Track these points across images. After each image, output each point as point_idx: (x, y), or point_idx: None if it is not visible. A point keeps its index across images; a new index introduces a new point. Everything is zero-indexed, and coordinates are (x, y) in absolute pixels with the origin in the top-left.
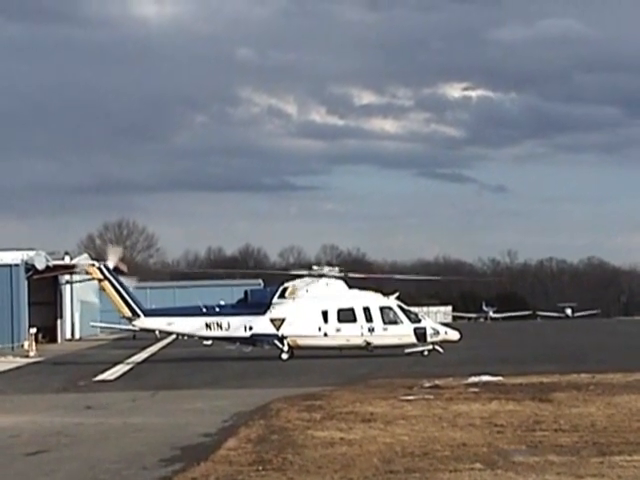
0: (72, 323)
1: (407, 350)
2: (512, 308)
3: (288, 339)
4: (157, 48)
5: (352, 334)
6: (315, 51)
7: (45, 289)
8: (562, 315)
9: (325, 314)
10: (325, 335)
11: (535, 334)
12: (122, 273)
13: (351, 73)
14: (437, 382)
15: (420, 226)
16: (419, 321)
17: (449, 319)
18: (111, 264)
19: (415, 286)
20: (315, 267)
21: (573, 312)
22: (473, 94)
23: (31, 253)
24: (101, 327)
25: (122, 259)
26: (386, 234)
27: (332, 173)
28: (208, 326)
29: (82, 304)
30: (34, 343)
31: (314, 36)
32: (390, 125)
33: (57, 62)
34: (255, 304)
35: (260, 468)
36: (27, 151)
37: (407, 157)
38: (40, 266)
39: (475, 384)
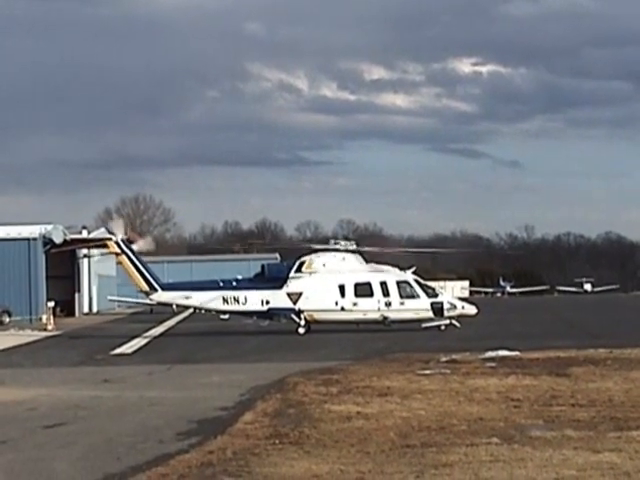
0: (90, 297)
1: (424, 324)
2: (529, 283)
3: (305, 313)
4: (166, 24)
5: (369, 308)
6: (324, 26)
7: (63, 263)
8: (580, 290)
9: (342, 288)
10: (342, 309)
11: (552, 309)
12: (133, 242)
13: (361, 48)
14: (454, 356)
15: (435, 201)
16: (436, 296)
17: (466, 294)
18: (120, 236)
19: (432, 260)
20: (332, 241)
21: (593, 287)
22: (483, 69)
23: (49, 227)
24: (118, 301)
25: (130, 228)
26: (401, 208)
27: (345, 148)
28: (225, 300)
29: (99, 278)
30: (52, 317)
31: (322, 11)
32: (401, 100)
33: (68, 39)
34: (272, 278)
35: (277, 442)
36: (41, 128)
37: (419, 132)
38: (58, 240)
39: (492, 359)
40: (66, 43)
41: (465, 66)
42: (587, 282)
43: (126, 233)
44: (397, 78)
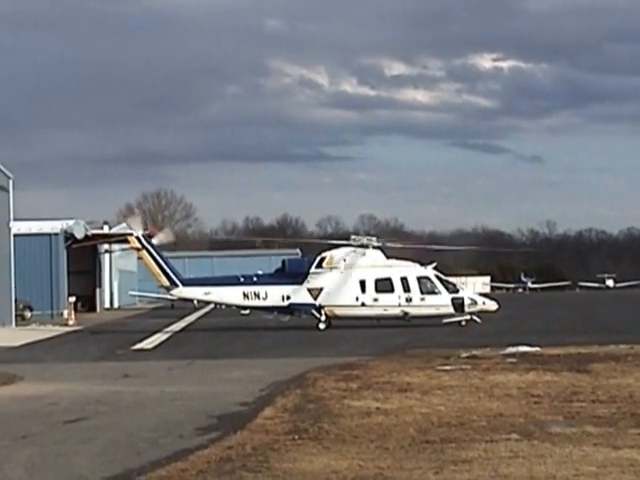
0: (111, 292)
1: (445, 320)
2: (551, 279)
3: (325, 309)
4: (186, 20)
5: (389, 304)
6: (344, 22)
7: (84, 258)
8: (602, 286)
9: (363, 284)
10: (362, 305)
11: (574, 305)
12: (152, 237)
13: (381, 44)
14: (474, 352)
15: (456, 196)
16: (457, 291)
17: (487, 289)
18: (139, 232)
19: (453, 256)
20: (353, 237)
21: (615, 283)
22: (504, 65)
23: (70, 222)
24: (139, 296)
25: (147, 223)
26: (421, 204)
27: (365, 143)
28: (246, 295)
29: (121, 273)
30: (73, 312)
31: (342, 7)
32: (422, 96)
33: (90, 36)
34: (293, 274)
35: (296, 437)
36: (62, 123)
37: (440, 127)
38: (79, 235)
39: (512, 354)
40: (89, 40)
41: (486, 62)
42: (609, 278)
43: (146, 229)
44: (417, 74)
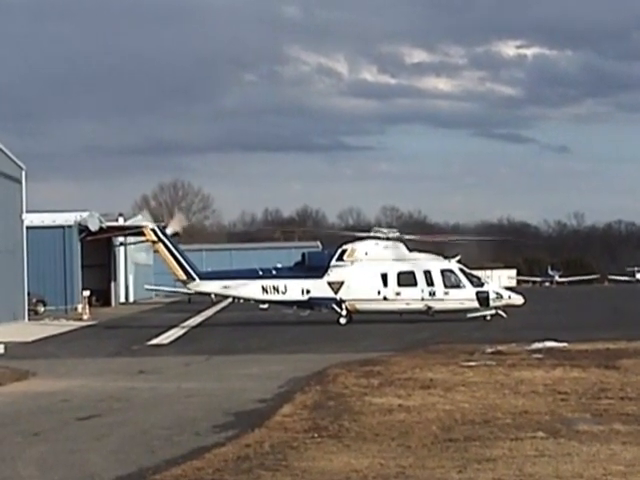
0: (126, 286)
1: (469, 315)
2: (579, 272)
3: (346, 303)
4: (203, 8)
5: (412, 298)
6: (363, 9)
7: (99, 251)
8: (632, 279)
9: (385, 277)
10: (384, 299)
11: (602, 299)
12: (177, 236)
13: (400, 31)
14: (499, 348)
15: (480, 187)
16: (481, 285)
17: (513, 283)
18: (170, 230)
19: (478, 249)
20: (375, 229)
21: None
22: (528, 52)
23: (84, 214)
24: (155, 290)
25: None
26: (445, 195)
27: (386, 133)
28: (265, 289)
29: (136, 266)
30: (88, 306)
31: None
32: (444, 84)
33: (105, 25)
34: (313, 267)
35: (316, 435)
36: (78, 114)
37: (463, 116)
38: (93, 227)
39: (539, 350)
40: (103, 29)
41: (509, 49)
42: (639, 271)
43: (182, 229)
44: (439, 61)
